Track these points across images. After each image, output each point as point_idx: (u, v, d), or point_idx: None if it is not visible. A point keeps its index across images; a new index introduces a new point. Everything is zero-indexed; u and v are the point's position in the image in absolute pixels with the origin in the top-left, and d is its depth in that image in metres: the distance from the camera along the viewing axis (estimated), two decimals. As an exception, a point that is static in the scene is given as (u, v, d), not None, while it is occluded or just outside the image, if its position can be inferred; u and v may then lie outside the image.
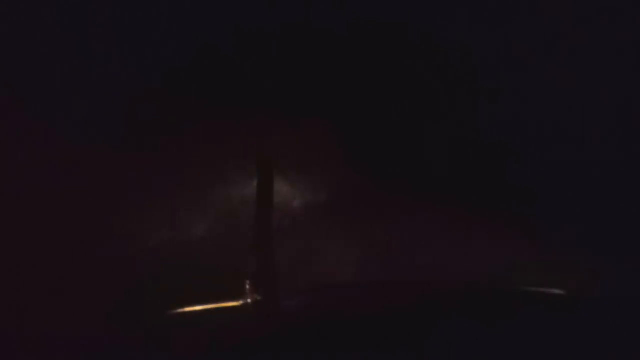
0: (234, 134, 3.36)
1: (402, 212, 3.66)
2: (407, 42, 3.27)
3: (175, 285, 3.27)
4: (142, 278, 3.22)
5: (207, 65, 3.19)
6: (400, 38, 3.26)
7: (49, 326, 2.97)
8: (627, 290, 3.27)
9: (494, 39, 3.31)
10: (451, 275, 3.47)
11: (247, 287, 3.38)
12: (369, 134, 3.51)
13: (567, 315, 3.18)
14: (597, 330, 2.98)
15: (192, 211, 3.38)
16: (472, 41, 3.31)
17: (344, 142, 3.47)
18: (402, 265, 3.63)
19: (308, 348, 2.94)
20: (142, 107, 3.21)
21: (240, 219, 3.51)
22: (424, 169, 3.52)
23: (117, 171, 3.25)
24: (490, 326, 3.06)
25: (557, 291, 3.38)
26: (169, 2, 3.11)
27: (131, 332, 3.10)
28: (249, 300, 3.35)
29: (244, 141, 3.35)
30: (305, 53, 3.24)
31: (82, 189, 3.20)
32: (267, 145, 3.39)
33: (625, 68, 3.34)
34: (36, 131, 3.09)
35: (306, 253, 3.59)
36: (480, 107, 3.41)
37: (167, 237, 3.29)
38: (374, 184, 3.59)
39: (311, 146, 3.46)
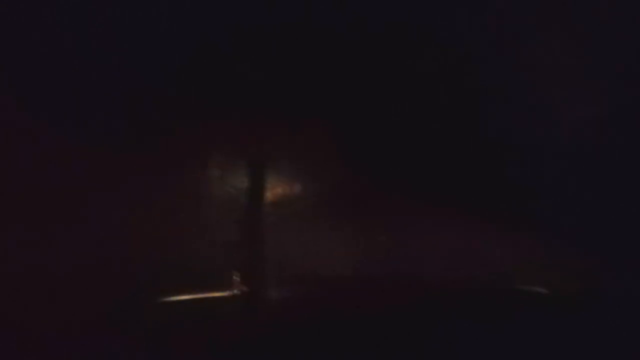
0: (232, 133, 3.37)
1: (401, 212, 3.66)
2: (407, 42, 3.27)
3: (165, 275, 3.32)
4: (139, 275, 3.24)
5: (207, 65, 3.20)
6: (400, 38, 3.26)
7: (49, 326, 2.97)
8: (627, 290, 3.27)
9: (494, 39, 3.31)
10: (451, 275, 3.47)
11: (236, 278, 3.46)
12: (368, 134, 3.51)
13: (567, 316, 3.18)
14: (597, 331, 2.99)
15: (186, 205, 3.40)
16: (472, 41, 3.32)
17: (344, 141, 3.47)
18: (402, 265, 3.63)
19: (308, 348, 2.94)
20: (142, 107, 3.21)
21: (231, 213, 3.56)
22: (423, 168, 3.52)
23: (117, 171, 3.25)
24: (490, 326, 3.06)
25: (557, 291, 3.38)
26: (169, 2, 3.11)
27: (131, 332, 3.11)
28: (237, 291, 3.43)
29: (242, 140, 3.37)
30: (305, 53, 3.24)
31: (82, 188, 3.20)
32: (264, 143, 3.42)
33: (627, 68, 3.34)
34: (36, 131, 3.09)
35: (300, 248, 3.63)
36: (480, 107, 3.41)
37: (163, 231, 3.31)
38: (373, 183, 3.59)
39: (310, 145, 3.46)
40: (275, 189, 3.55)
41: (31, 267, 3.06)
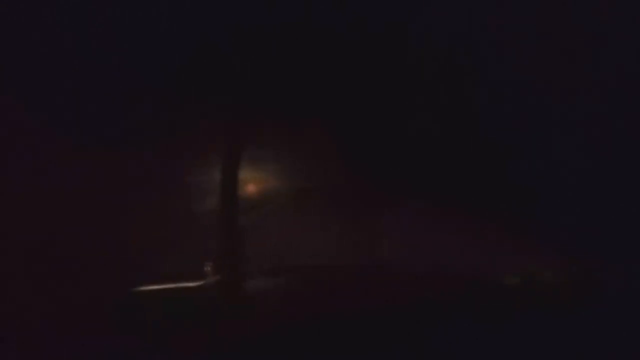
0: (227, 130, 3.40)
1: (401, 211, 3.66)
2: (406, 42, 3.28)
3: (142, 263, 3.38)
4: (114, 265, 3.29)
5: (207, 65, 3.20)
6: (399, 38, 3.27)
7: (49, 326, 2.97)
8: (628, 289, 3.27)
9: (494, 39, 3.31)
10: (451, 274, 3.48)
11: (208, 268, 3.54)
12: (368, 134, 3.51)
13: (567, 315, 3.18)
14: (598, 329, 2.99)
15: (163, 198, 3.46)
16: (472, 42, 3.31)
17: (343, 141, 3.47)
18: (402, 265, 3.63)
19: (308, 348, 2.94)
20: (142, 107, 3.21)
21: (206, 205, 3.63)
22: (423, 168, 3.52)
23: (116, 170, 3.25)
24: (490, 326, 3.07)
25: (556, 291, 3.38)
26: (169, 2, 3.11)
27: (131, 332, 3.11)
28: (212, 281, 3.49)
29: (226, 134, 3.43)
30: (305, 53, 3.24)
31: (82, 188, 3.21)
32: (249, 139, 3.48)
33: (627, 68, 3.34)
34: (36, 131, 3.10)
35: (276, 240, 3.68)
36: (480, 107, 3.41)
37: (140, 222, 3.36)
38: (372, 182, 3.59)
39: (309, 144, 3.46)
40: (255, 183, 3.59)
41: (31, 267, 3.05)
